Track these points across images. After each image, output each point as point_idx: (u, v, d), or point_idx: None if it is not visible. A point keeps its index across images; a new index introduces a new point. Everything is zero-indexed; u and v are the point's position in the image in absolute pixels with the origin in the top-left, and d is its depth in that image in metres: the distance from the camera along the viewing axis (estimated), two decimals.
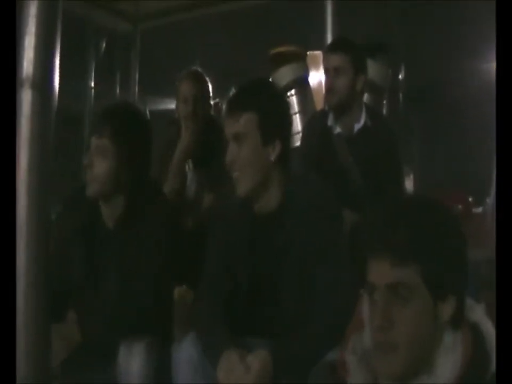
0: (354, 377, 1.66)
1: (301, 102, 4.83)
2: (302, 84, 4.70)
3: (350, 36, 3.89)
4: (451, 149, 6.66)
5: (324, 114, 3.55)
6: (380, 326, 1.49)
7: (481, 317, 1.58)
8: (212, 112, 3.76)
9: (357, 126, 3.37)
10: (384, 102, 5.05)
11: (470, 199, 4.25)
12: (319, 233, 2.28)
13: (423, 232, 1.53)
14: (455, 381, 1.49)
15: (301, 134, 3.88)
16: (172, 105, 7.33)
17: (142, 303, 2.39)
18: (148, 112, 7.15)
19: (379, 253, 1.53)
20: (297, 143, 3.73)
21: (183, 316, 2.83)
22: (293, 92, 4.81)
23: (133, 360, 2.30)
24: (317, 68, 4.71)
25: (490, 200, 4.57)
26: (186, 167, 3.59)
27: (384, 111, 4.96)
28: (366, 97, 3.88)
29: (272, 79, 4.60)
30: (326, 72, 3.41)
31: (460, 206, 4.03)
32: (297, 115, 4.75)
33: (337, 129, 3.40)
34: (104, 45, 6.69)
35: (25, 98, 1.74)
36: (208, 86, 3.67)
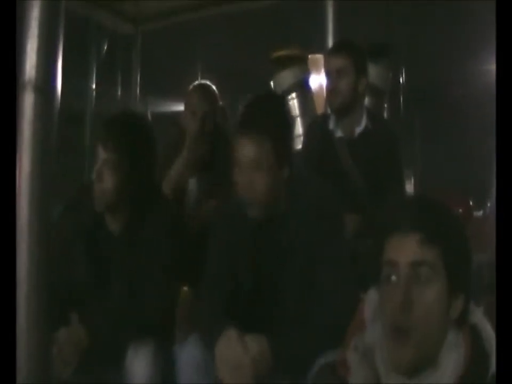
0: (356, 376, 1.66)
1: (302, 106, 4.83)
2: (303, 87, 4.70)
3: (351, 38, 3.89)
4: (452, 151, 6.67)
5: (325, 118, 3.55)
6: (399, 306, 1.49)
7: (481, 319, 1.59)
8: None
9: (358, 129, 3.36)
10: (385, 104, 5.05)
11: (471, 203, 4.25)
12: (320, 235, 2.29)
13: (443, 221, 1.57)
14: (457, 381, 1.50)
15: (302, 138, 3.87)
16: (173, 107, 7.39)
17: (148, 307, 2.39)
18: (149, 114, 7.21)
19: (407, 230, 1.54)
20: (298, 147, 3.72)
21: (184, 317, 2.83)
22: (294, 95, 4.82)
23: (139, 363, 2.31)
24: (318, 71, 4.71)
25: (491, 203, 4.57)
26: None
27: (385, 114, 4.96)
28: (366, 100, 3.88)
29: (273, 82, 4.61)
30: (328, 74, 3.40)
31: (460, 210, 4.03)
32: (298, 118, 4.76)
33: (339, 133, 3.39)
34: (105, 46, 6.69)
35: (27, 101, 1.74)
36: (217, 101, 3.63)
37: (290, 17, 5.84)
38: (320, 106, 4.32)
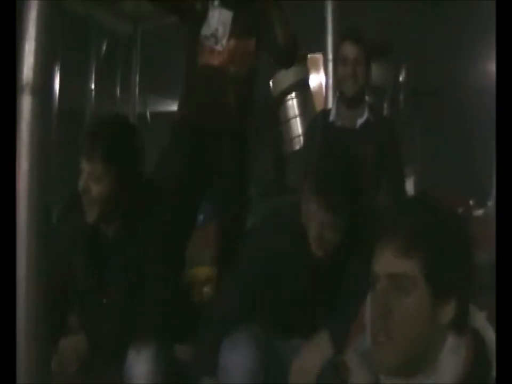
0: (355, 376, 1.67)
1: (301, 105, 4.84)
2: (302, 86, 4.71)
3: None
4: (453, 150, 6.66)
5: (325, 113, 3.56)
6: (378, 314, 1.50)
7: (483, 323, 1.58)
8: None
9: (360, 121, 3.39)
10: (385, 103, 5.06)
11: (471, 202, 4.24)
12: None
13: (426, 228, 1.53)
14: (457, 383, 1.50)
15: (301, 137, 3.88)
16: (172, 106, 7.37)
17: (148, 309, 2.39)
18: (148, 113, 7.20)
19: (384, 243, 1.53)
20: (297, 147, 3.73)
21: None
22: (293, 94, 4.82)
23: (140, 366, 2.30)
24: (317, 70, 4.72)
25: (492, 202, 4.57)
26: None
27: (385, 112, 4.97)
28: (367, 97, 3.90)
29: (272, 82, 4.61)
30: (344, 61, 3.40)
31: (460, 209, 4.03)
32: (297, 118, 4.76)
33: (339, 124, 3.40)
34: (105, 45, 6.68)
35: (25, 104, 1.74)
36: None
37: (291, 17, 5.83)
38: (319, 106, 4.32)
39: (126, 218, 2.45)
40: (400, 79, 6.41)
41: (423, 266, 1.49)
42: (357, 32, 3.55)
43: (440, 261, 1.50)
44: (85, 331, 2.37)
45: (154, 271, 2.41)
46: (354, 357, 1.69)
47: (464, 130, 6.69)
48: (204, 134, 3.23)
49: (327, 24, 4.29)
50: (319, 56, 4.56)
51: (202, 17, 3.20)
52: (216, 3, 3.20)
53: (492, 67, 6.25)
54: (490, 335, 1.55)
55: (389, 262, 1.51)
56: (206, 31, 3.18)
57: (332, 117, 3.42)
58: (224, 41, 3.17)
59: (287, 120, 5.88)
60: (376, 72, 4.30)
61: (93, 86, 6.45)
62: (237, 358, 2.20)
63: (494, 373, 1.48)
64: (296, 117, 4.59)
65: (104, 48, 6.66)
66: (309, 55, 4.73)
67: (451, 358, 1.52)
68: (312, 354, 2.20)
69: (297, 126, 4.48)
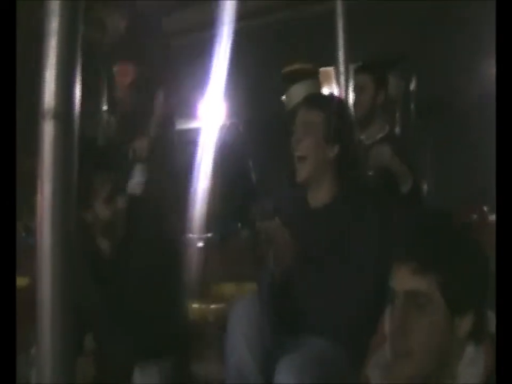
0: None
1: None
2: None
3: (361, 50, 3.92)
4: (464, 159, 6.63)
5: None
6: (397, 331, 1.52)
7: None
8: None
9: (380, 135, 3.49)
10: (397, 113, 5.06)
11: (485, 208, 4.22)
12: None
13: (441, 244, 1.55)
14: None
15: None
16: (191, 124, 7.39)
17: (155, 327, 2.39)
18: None
19: (402, 260, 1.55)
20: None
21: (203, 335, 2.83)
22: None
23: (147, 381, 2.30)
24: (330, 84, 4.73)
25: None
26: None
27: (398, 123, 4.97)
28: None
29: (285, 97, 4.62)
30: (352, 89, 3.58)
31: (475, 216, 4.01)
32: None
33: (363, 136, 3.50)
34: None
35: (47, 130, 1.75)
36: None
37: (300, 31, 5.86)
38: None
39: (126, 238, 2.47)
40: (412, 88, 6.42)
41: (439, 283, 1.51)
42: (365, 63, 3.71)
43: (457, 276, 1.52)
44: (94, 352, 2.38)
45: (162, 288, 2.42)
46: (375, 371, 1.70)
47: (479, 137, 6.67)
48: None
49: (339, 37, 4.30)
50: (330, 69, 4.58)
51: None
52: None
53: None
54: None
55: (405, 279, 1.53)
56: None
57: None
58: None
59: None
60: (390, 84, 4.32)
61: (104, 108, 6.46)
62: None
63: None
64: None
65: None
66: (320, 69, 4.74)
67: (470, 369, 1.53)
68: None
69: None
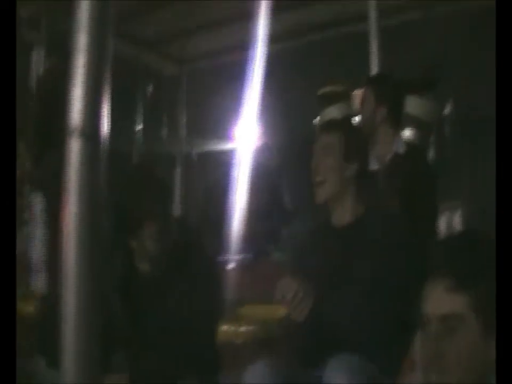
0: None
1: None
2: None
3: (396, 71, 3.90)
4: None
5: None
6: (430, 355, 1.49)
7: None
8: None
9: (388, 156, 3.43)
10: (431, 137, 5.01)
11: None
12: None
13: (475, 264, 1.52)
14: None
15: None
16: (218, 146, 7.43)
17: (186, 348, 2.39)
18: (194, 154, 7.26)
19: (434, 281, 1.52)
20: None
21: (231, 356, 2.81)
22: None
23: None
24: None
25: None
26: None
27: (432, 147, 4.92)
28: (410, 132, 3.93)
29: (319, 118, 4.61)
30: (362, 106, 3.59)
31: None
32: None
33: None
34: (151, 87, 6.79)
35: (74, 147, 1.75)
36: None
37: (335, 53, 5.86)
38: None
39: (167, 262, 2.47)
40: (447, 111, 6.37)
41: (476, 301, 1.47)
42: (369, 77, 3.65)
43: (490, 296, 1.47)
44: (129, 370, 2.37)
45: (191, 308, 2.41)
46: None
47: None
48: None
49: (372, 58, 4.30)
50: None
51: None
52: None
53: None
54: None
55: (439, 301, 1.50)
56: None
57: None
58: None
59: None
60: (420, 105, 4.29)
61: (140, 128, 6.55)
62: None
63: None
64: None
65: (150, 89, 6.76)
66: (354, 91, 4.73)
67: None
68: None
69: None
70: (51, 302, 2.52)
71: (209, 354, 2.53)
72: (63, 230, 1.71)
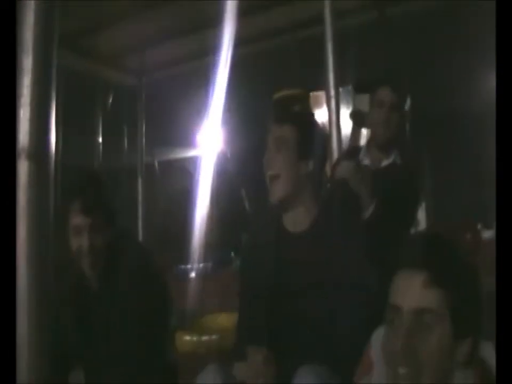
0: None
1: None
2: None
3: (352, 74, 3.92)
4: (461, 176, 6.62)
5: (356, 149, 3.54)
6: (402, 351, 1.45)
7: (491, 353, 1.55)
8: None
9: (386, 162, 3.36)
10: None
11: (479, 227, 4.19)
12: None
13: (447, 262, 1.50)
14: None
15: None
16: (179, 154, 7.43)
17: (144, 361, 2.38)
18: (156, 164, 7.25)
19: (412, 269, 1.50)
20: None
21: (191, 365, 2.81)
22: None
23: None
24: (320, 108, 4.75)
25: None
26: None
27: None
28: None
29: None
30: (380, 106, 3.37)
31: (468, 235, 3.98)
32: None
33: (366, 162, 3.38)
34: (110, 99, 6.78)
35: (22, 169, 1.76)
36: None
37: (290, 58, 5.89)
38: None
39: (106, 272, 2.47)
40: (406, 107, 6.40)
41: (450, 299, 1.46)
42: (391, 76, 3.55)
43: (464, 296, 1.48)
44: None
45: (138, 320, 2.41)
46: None
47: (473, 155, 6.66)
48: None
49: (329, 61, 4.32)
50: (321, 93, 4.59)
51: None
52: None
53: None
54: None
55: (416, 294, 1.47)
56: None
57: (361, 155, 3.40)
58: None
59: None
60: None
61: (100, 140, 6.55)
62: None
63: None
64: None
65: (109, 102, 6.76)
66: (310, 94, 4.76)
67: None
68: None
69: None
70: None
71: (165, 365, 2.52)
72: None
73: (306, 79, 4.94)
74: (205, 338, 3.19)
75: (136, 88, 6.48)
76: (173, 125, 6.57)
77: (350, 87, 4.26)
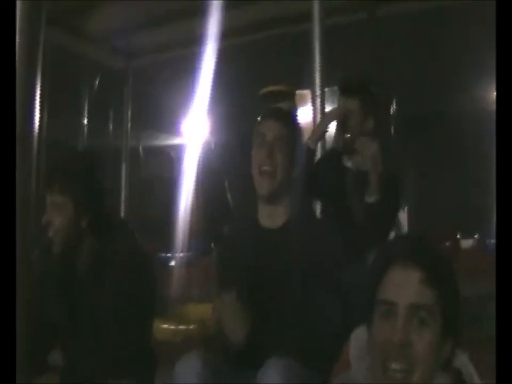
0: None
1: None
2: None
3: (339, 73, 3.93)
4: (443, 183, 6.65)
5: (337, 152, 3.56)
6: (399, 346, 1.45)
7: (466, 363, 1.56)
8: None
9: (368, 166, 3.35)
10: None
11: (458, 236, 4.25)
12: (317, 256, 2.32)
13: (442, 262, 1.53)
14: None
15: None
16: (164, 140, 7.41)
17: (122, 346, 2.39)
18: (141, 148, 7.23)
19: (409, 265, 1.50)
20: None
21: (169, 355, 2.82)
22: None
23: None
24: (305, 105, 4.77)
25: (480, 235, 4.57)
26: None
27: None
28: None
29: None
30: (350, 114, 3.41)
31: (447, 243, 4.03)
32: None
33: (349, 165, 3.40)
34: (97, 81, 6.74)
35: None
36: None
37: (278, 54, 5.90)
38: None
39: (93, 253, 2.47)
40: (391, 111, 6.42)
41: (442, 298, 1.47)
42: (351, 85, 3.59)
43: (452, 295, 1.50)
44: (61, 369, 2.37)
45: (126, 305, 2.41)
46: None
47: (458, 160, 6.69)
48: None
49: (315, 60, 4.33)
50: (307, 92, 4.61)
51: None
52: None
53: (490, 97, 6.27)
54: (473, 375, 1.55)
55: (412, 290, 1.48)
56: None
57: (344, 160, 3.41)
58: None
59: None
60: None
61: (85, 122, 6.51)
62: None
63: None
64: None
65: (96, 83, 6.72)
66: (296, 91, 4.77)
67: None
68: None
69: None
70: None
71: (144, 352, 2.53)
72: None
73: (293, 76, 4.95)
74: (182, 327, 3.20)
75: (123, 72, 6.44)
76: (159, 111, 6.55)
77: (335, 88, 4.26)
